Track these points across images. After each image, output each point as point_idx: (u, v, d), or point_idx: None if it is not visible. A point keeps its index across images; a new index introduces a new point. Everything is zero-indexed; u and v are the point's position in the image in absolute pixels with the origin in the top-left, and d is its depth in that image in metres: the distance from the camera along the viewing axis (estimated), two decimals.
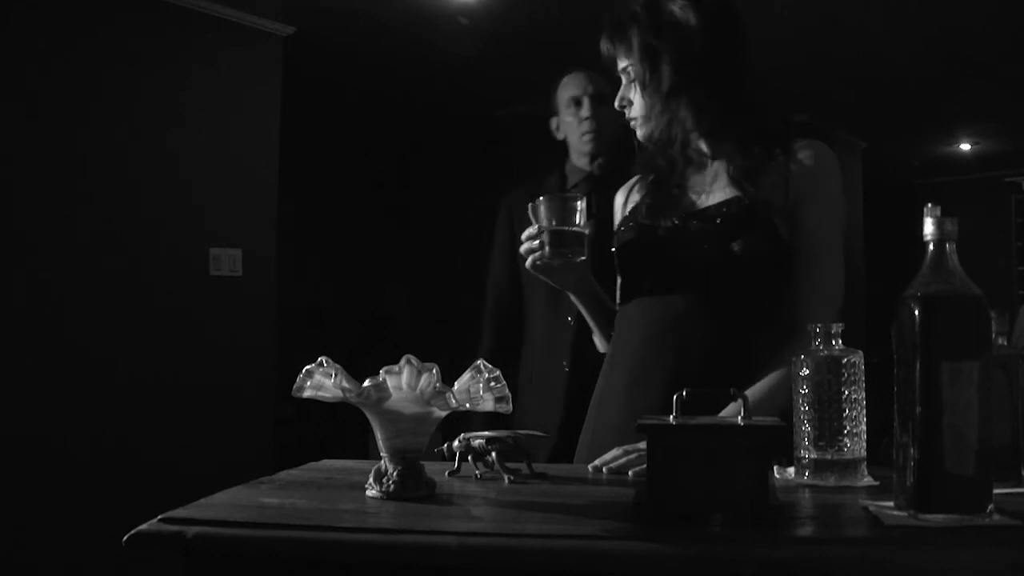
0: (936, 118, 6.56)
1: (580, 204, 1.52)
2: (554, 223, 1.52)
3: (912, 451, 0.98)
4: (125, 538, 0.99)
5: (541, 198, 1.53)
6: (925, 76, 5.41)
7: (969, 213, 4.16)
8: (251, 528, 1.00)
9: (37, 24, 3.49)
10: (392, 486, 1.15)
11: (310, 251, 5.32)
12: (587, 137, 2.56)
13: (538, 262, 1.56)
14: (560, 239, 1.52)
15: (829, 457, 1.23)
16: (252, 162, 4.15)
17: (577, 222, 1.52)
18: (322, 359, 1.17)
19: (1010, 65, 5.12)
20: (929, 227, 1.02)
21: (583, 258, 1.55)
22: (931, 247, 1.02)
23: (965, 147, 7.43)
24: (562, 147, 2.67)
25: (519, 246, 1.75)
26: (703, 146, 1.65)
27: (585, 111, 2.56)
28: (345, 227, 5.56)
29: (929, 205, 1.02)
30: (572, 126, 2.59)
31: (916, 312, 0.98)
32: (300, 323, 5.03)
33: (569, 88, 2.60)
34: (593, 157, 2.57)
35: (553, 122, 2.68)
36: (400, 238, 5.89)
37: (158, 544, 0.98)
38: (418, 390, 1.15)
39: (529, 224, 1.57)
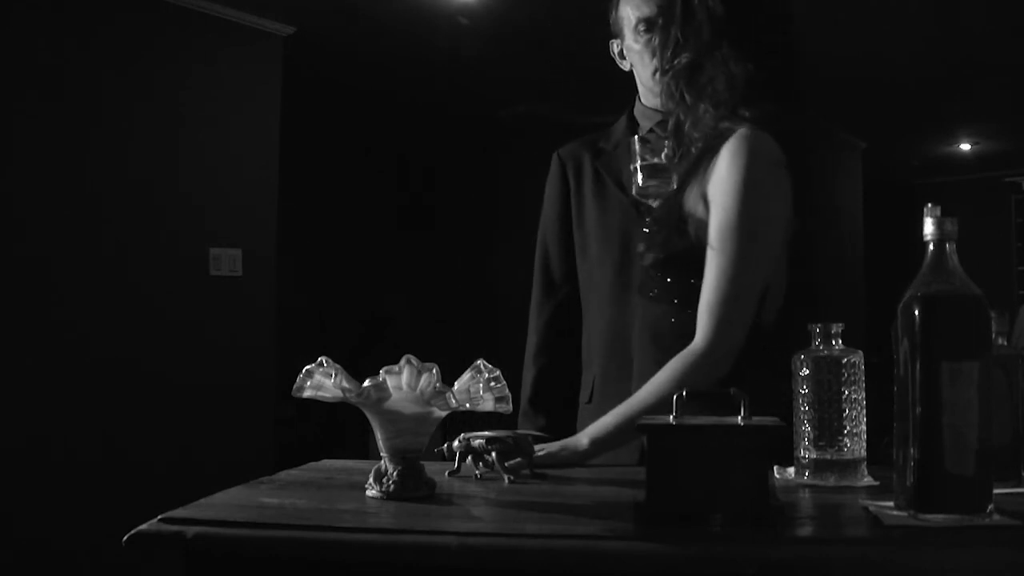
0: (936, 118, 6.56)
1: (666, 144, 1.69)
2: (646, 158, 1.70)
3: (912, 451, 0.98)
4: (125, 538, 0.99)
5: (635, 137, 1.74)
6: (925, 76, 5.41)
7: (969, 213, 4.16)
8: (251, 528, 1.00)
9: (37, 24, 3.49)
10: (392, 486, 1.15)
11: (310, 251, 5.32)
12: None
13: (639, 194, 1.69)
14: (649, 171, 1.70)
15: (829, 457, 1.23)
16: (252, 162, 4.15)
17: (663, 159, 1.69)
18: (322, 359, 1.17)
19: (1010, 65, 5.11)
20: (929, 227, 1.02)
21: (672, 187, 1.65)
22: (931, 247, 1.02)
23: (965, 147, 7.42)
24: (629, 80, 2.02)
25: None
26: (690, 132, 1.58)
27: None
28: (345, 227, 5.56)
29: (929, 205, 1.02)
30: (643, 57, 1.89)
31: (916, 312, 0.98)
32: (300, 323, 5.03)
33: (636, 4, 1.89)
34: None
35: (614, 46, 1.97)
36: (400, 238, 5.89)
37: (158, 544, 0.98)
38: (418, 390, 1.15)
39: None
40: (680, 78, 1.54)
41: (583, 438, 1.45)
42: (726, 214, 1.43)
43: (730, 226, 1.42)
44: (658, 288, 1.57)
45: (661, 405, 1.35)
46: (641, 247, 1.59)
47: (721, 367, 1.40)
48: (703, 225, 1.49)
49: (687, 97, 1.54)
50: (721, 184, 1.45)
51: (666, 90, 1.58)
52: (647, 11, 1.84)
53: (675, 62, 1.55)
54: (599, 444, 1.43)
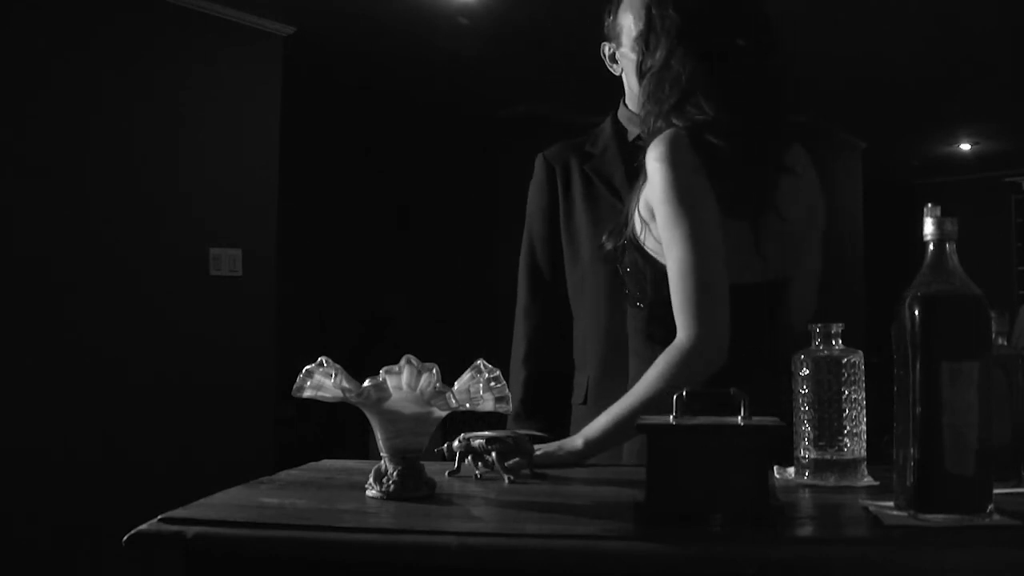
0: (936, 118, 6.56)
1: None
2: None
3: (912, 451, 0.98)
4: (125, 538, 0.99)
5: None
6: (925, 76, 5.41)
7: (969, 213, 4.17)
8: (251, 528, 1.00)
9: (37, 24, 3.49)
10: (392, 486, 1.15)
11: (310, 251, 5.32)
12: None
13: None
14: None
15: (829, 457, 1.23)
16: (252, 162, 4.15)
17: None
18: (322, 359, 1.17)
19: (1010, 65, 5.12)
20: (929, 227, 1.02)
21: None
22: (931, 247, 1.01)
23: (965, 147, 7.42)
24: (617, 83, 1.99)
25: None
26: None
27: None
28: (345, 227, 5.56)
29: (929, 205, 1.02)
30: (635, 66, 1.80)
31: (916, 312, 0.98)
32: (300, 323, 5.03)
33: (638, 14, 1.83)
34: None
35: (606, 48, 1.96)
36: (400, 238, 5.89)
37: (158, 544, 0.98)
38: (418, 390, 1.15)
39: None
40: (646, 87, 1.58)
41: (578, 439, 1.46)
42: (661, 212, 1.45)
43: (667, 224, 1.44)
44: (626, 289, 1.60)
45: (651, 403, 1.36)
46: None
47: (707, 362, 1.39)
48: (635, 227, 1.53)
49: (648, 105, 1.58)
50: (652, 187, 1.48)
51: (640, 99, 1.62)
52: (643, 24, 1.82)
53: (643, 71, 1.59)
54: (593, 444, 1.44)
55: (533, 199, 2.02)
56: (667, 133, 1.49)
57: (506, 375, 1.23)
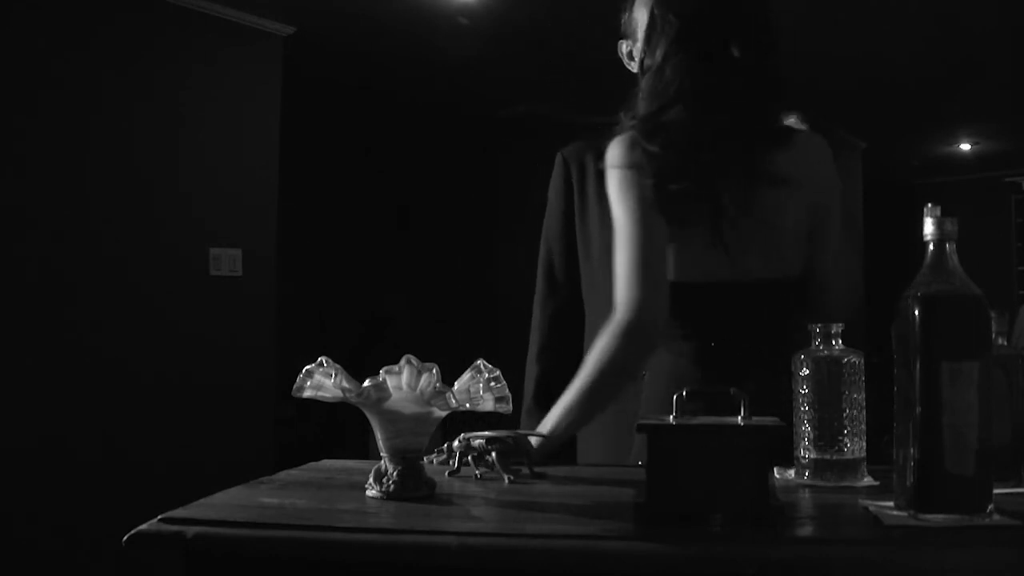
0: (936, 118, 6.56)
1: None
2: None
3: (912, 451, 0.98)
4: (125, 538, 0.99)
5: None
6: (925, 76, 5.41)
7: (969, 213, 4.17)
8: (251, 528, 1.00)
9: (37, 24, 3.49)
10: (392, 486, 1.15)
11: (310, 251, 5.32)
12: None
13: None
14: None
15: (829, 457, 1.23)
16: (252, 162, 4.15)
17: None
18: (322, 359, 1.17)
19: (1010, 65, 5.11)
20: (929, 227, 1.02)
21: None
22: (931, 247, 1.02)
23: (965, 147, 7.42)
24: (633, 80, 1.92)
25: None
26: None
27: None
28: (345, 227, 5.56)
29: (929, 205, 1.02)
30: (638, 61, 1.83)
31: (916, 312, 0.98)
32: (300, 323, 5.03)
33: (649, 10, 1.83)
34: None
35: (623, 46, 1.95)
36: (400, 238, 5.89)
37: (158, 544, 0.98)
38: (418, 390, 1.15)
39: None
40: (644, 85, 1.61)
41: (538, 432, 1.49)
42: (612, 209, 1.56)
43: (615, 219, 1.56)
44: None
45: (595, 385, 1.46)
46: None
47: (642, 338, 1.47)
48: None
49: (644, 102, 1.61)
50: (607, 187, 1.58)
51: (641, 95, 1.64)
52: None
53: (643, 68, 1.62)
54: (550, 437, 1.47)
55: (550, 197, 2.05)
56: (619, 137, 1.56)
57: (507, 375, 1.23)
